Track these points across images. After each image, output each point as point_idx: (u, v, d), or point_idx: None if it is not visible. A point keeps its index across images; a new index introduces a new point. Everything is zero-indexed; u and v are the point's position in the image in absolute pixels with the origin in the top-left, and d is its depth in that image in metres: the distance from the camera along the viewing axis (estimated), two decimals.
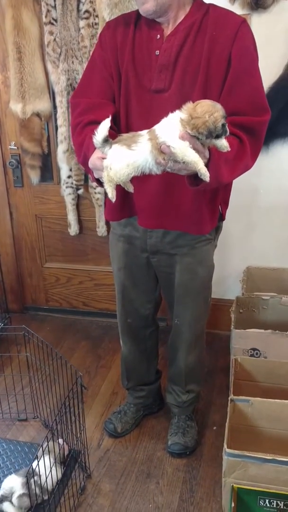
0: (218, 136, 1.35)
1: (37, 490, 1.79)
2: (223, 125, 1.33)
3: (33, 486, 1.77)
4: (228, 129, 1.36)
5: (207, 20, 1.57)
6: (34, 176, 2.92)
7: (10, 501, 1.79)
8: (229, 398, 1.91)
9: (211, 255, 1.92)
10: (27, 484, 1.74)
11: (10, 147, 2.92)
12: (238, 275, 2.74)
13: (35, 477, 1.80)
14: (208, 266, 1.91)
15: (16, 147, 2.90)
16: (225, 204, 1.87)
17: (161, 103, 1.58)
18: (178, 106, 1.35)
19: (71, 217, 2.94)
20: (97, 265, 3.11)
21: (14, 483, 1.81)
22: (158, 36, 1.61)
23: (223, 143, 1.37)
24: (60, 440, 2.00)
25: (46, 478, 1.80)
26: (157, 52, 1.60)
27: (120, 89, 1.67)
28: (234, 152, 1.46)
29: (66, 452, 2.01)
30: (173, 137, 1.31)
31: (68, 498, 1.88)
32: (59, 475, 1.92)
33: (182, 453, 2.08)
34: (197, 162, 1.33)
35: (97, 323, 3.16)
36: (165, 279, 1.93)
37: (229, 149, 1.39)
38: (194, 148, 1.31)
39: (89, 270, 3.16)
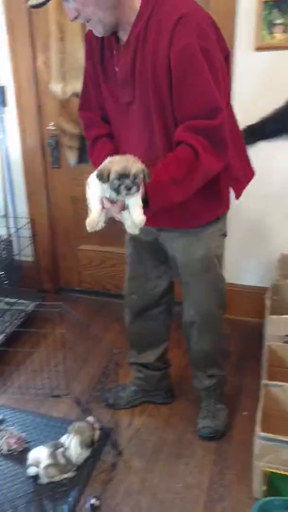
0: (119, 192, 1.39)
1: (63, 461, 1.84)
2: (118, 179, 1.36)
3: (59, 457, 1.81)
4: (124, 190, 1.38)
5: (152, 22, 1.47)
6: (71, 157, 2.94)
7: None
8: (262, 383, 1.89)
9: (213, 237, 1.83)
10: (53, 454, 1.80)
11: (48, 128, 2.95)
12: (272, 263, 2.71)
13: (62, 449, 1.85)
14: (208, 247, 1.82)
15: (55, 128, 2.93)
16: (236, 184, 1.78)
17: (134, 114, 1.61)
18: (146, 118, 1.51)
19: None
20: None
21: (40, 453, 1.87)
22: (114, 52, 1.61)
23: (134, 208, 1.43)
24: (91, 418, 2.04)
25: (74, 453, 1.86)
26: (117, 69, 1.61)
27: (104, 101, 1.74)
28: (185, 168, 1.47)
29: (97, 430, 2.04)
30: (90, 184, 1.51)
31: (99, 473, 1.92)
32: (88, 452, 1.96)
33: (212, 437, 2.08)
34: (92, 210, 1.49)
35: (120, 318, 3.17)
36: (172, 259, 1.91)
37: (140, 221, 1.45)
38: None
39: (122, 253, 3.14)
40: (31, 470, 1.84)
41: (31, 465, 1.86)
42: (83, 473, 1.90)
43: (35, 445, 1.98)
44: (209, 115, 1.46)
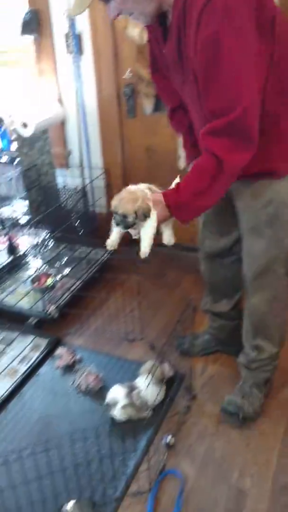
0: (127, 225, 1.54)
1: (139, 403, 1.90)
2: (117, 215, 1.54)
3: (135, 398, 1.87)
4: (124, 224, 1.55)
5: (187, 4, 1.39)
6: (148, 105, 2.88)
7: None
8: None
9: (279, 191, 1.67)
10: (129, 394, 1.86)
11: (124, 77, 2.90)
12: None
13: (137, 390, 1.91)
14: (268, 200, 1.67)
15: (131, 75, 2.87)
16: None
17: (187, 93, 1.60)
18: (196, 98, 1.49)
19: (182, 150, 2.89)
20: None
21: (118, 393, 1.94)
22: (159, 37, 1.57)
23: (143, 239, 1.55)
24: (165, 364, 2.08)
25: (149, 393, 1.92)
26: (164, 51, 1.57)
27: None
28: (208, 178, 1.47)
29: (171, 375, 2.09)
30: None
31: (173, 415, 1.97)
32: (162, 395, 2.01)
33: (234, 414, 1.94)
34: (112, 232, 1.65)
35: (195, 262, 3.14)
36: (238, 208, 1.81)
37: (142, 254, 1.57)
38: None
39: None
40: (110, 410, 1.94)
41: (109, 404, 1.94)
42: (159, 413, 1.95)
43: (111, 385, 2.06)
44: (228, 109, 1.39)
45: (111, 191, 3.19)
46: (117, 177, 3.21)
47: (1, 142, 2.89)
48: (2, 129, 2.86)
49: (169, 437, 1.85)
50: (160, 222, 1.58)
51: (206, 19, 1.33)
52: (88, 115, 3.12)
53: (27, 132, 2.86)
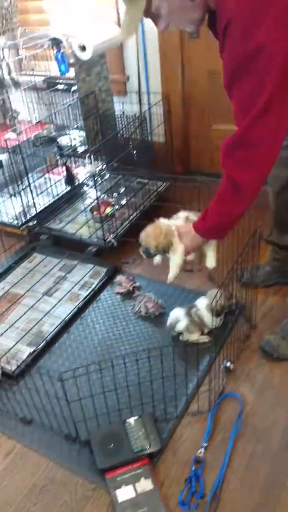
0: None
1: (197, 320, 1.95)
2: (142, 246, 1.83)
3: (194, 316, 1.93)
4: (147, 255, 1.85)
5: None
6: None
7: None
8: None
9: None
10: (190, 313, 1.93)
11: None
12: None
13: (195, 309, 1.95)
14: None
15: None
16: None
17: None
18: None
19: None
20: None
21: (178, 313, 1.99)
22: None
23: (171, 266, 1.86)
24: (226, 294, 2.06)
25: (205, 315, 1.96)
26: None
27: None
28: (230, 200, 1.60)
29: (231, 304, 2.07)
30: None
31: (233, 342, 1.97)
32: (219, 320, 2.01)
33: (269, 354, 1.91)
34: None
35: (262, 192, 3.03)
36: None
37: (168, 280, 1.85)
38: None
39: None
40: (172, 330, 1.97)
41: (171, 324, 1.98)
42: (219, 340, 1.96)
43: (171, 311, 2.08)
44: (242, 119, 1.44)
45: (170, 118, 3.07)
46: (177, 103, 3.07)
47: (60, 67, 2.81)
48: (61, 52, 2.77)
49: (228, 363, 1.87)
50: (191, 250, 1.82)
51: (227, 36, 1.37)
52: (148, 36, 2.96)
53: (85, 55, 2.75)
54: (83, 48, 2.73)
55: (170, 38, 2.89)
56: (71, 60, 2.83)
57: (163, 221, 1.85)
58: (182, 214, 1.89)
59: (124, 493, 1.49)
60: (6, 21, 3.04)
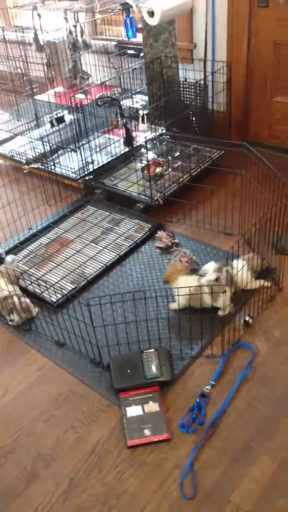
0: None
1: (225, 275, 2.02)
2: None
3: (223, 272, 2.01)
4: None
5: None
6: None
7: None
8: None
9: None
10: (220, 269, 2.01)
11: None
12: None
13: (229, 267, 2.03)
14: None
15: None
16: None
17: None
18: None
19: None
20: None
21: (209, 266, 2.09)
22: None
23: None
24: (260, 257, 2.15)
25: (240, 276, 2.03)
26: None
27: None
28: None
29: (264, 268, 2.16)
30: None
31: (257, 301, 2.07)
32: (253, 284, 2.11)
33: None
34: None
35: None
36: None
37: None
38: None
39: None
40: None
41: (200, 274, 2.11)
42: (244, 297, 2.08)
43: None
44: None
45: (231, 87, 3.12)
46: (239, 74, 3.11)
47: (127, 31, 2.94)
48: (129, 17, 2.90)
49: (248, 317, 1.99)
50: None
51: None
52: (218, 4, 3.01)
53: (153, 21, 2.87)
54: (151, 14, 2.84)
55: (239, 7, 2.92)
56: (139, 26, 2.96)
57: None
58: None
59: (133, 411, 1.69)
60: None
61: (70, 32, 3.22)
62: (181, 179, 2.82)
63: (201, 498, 1.44)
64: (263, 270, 2.18)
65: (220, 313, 2.02)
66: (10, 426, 1.72)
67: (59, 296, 2.21)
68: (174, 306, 2.05)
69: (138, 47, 3.29)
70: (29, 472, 1.57)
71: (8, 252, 2.53)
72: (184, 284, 1.98)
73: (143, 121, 2.69)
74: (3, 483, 1.55)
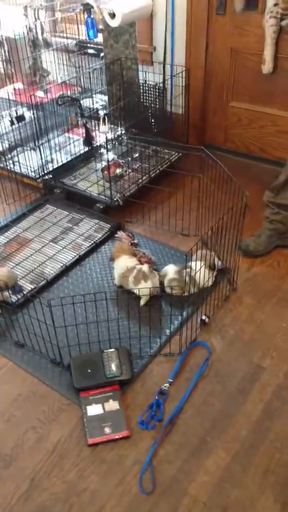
0: None
1: (187, 279, 2.10)
2: None
3: (184, 275, 2.07)
4: None
5: None
6: (239, 1, 2.78)
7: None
8: None
9: None
10: (180, 272, 2.07)
11: None
12: None
13: (188, 270, 2.10)
14: None
15: None
16: None
17: None
18: None
19: (268, 52, 2.80)
20: (285, 110, 3.00)
21: (169, 269, 2.16)
22: None
23: None
24: (216, 257, 2.24)
25: (199, 276, 2.10)
26: None
27: None
28: None
29: (221, 267, 2.25)
30: None
31: (212, 300, 2.16)
32: (210, 281, 2.19)
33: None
34: None
35: (271, 171, 3.13)
36: None
37: None
38: None
39: (274, 114, 3.07)
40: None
41: (160, 275, 2.17)
42: (199, 296, 2.16)
43: (162, 268, 2.28)
44: None
45: (189, 91, 3.20)
46: (197, 79, 3.20)
47: (88, 31, 2.96)
48: (91, 17, 2.91)
49: (204, 316, 2.06)
50: None
51: None
52: (177, 10, 3.07)
53: (114, 22, 2.90)
54: (112, 15, 2.87)
55: (198, 14, 3.00)
56: (100, 26, 2.98)
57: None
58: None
59: (94, 410, 1.72)
60: None
61: (30, 29, 3.19)
62: (140, 181, 2.87)
63: (160, 492, 1.50)
64: (219, 269, 2.27)
65: (142, 302, 2.13)
66: None
67: (19, 296, 2.20)
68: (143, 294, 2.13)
69: (99, 47, 3.31)
70: None
71: None
72: (123, 264, 2.19)
73: (104, 123, 2.72)
74: None
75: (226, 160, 3.31)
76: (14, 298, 2.16)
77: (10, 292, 2.09)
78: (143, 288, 2.05)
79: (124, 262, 2.21)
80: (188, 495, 1.49)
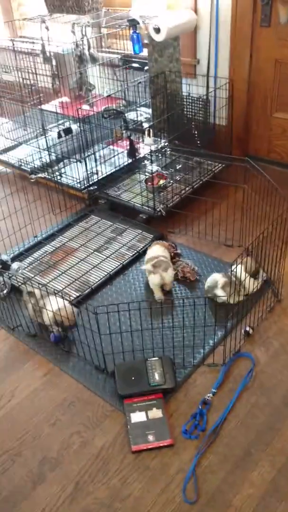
0: None
1: (235, 280, 2.10)
2: None
3: (232, 278, 2.09)
4: None
5: None
6: (284, 14, 2.78)
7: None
8: None
9: None
10: (228, 276, 2.12)
11: None
12: None
13: (233, 278, 2.10)
14: None
15: None
16: None
17: None
18: None
19: None
20: None
21: (216, 277, 2.18)
22: None
23: None
24: (260, 267, 2.23)
25: (246, 282, 2.12)
26: None
27: None
28: None
29: (264, 278, 2.23)
30: None
31: (257, 311, 2.14)
32: (255, 284, 2.19)
33: None
34: None
35: None
36: None
37: None
38: None
39: None
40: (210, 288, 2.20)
41: (210, 286, 2.19)
42: (244, 307, 2.14)
43: (205, 279, 2.28)
44: None
45: (232, 103, 3.21)
46: (241, 91, 3.21)
47: (134, 46, 3.03)
48: (136, 32, 2.99)
49: (248, 328, 2.05)
50: None
51: None
52: (221, 24, 3.10)
53: (159, 37, 2.96)
54: (157, 30, 2.94)
55: (242, 26, 3.02)
56: (145, 41, 3.05)
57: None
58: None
59: (137, 417, 1.74)
60: (91, 1, 3.30)
61: (77, 45, 3.30)
62: (183, 192, 2.89)
63: (203, 502, 1.49)
64: (264, 281, 2.25)
65: (168, 287, 2.30)
66: (16, 429, 1.77)
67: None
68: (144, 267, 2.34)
69: (143, 60, 3.38)
70: (36, 475, 1.62)
71: (13, 259, 2.59)
72: (154, 252, 2.34)
73: (148, 135, 2.77)
74: (10, 484, 1.59)
75: (270, 171, 3.28)
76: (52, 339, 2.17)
77: (59, 330, 2.07)
78: (153, 277, 2.24)
79: (155, 250, 2.36)
80: (233, 507, 1.47)
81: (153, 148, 3.16)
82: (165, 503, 1.50)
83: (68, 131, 3.09)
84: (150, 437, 1.67)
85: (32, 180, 3.07)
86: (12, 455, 1.68)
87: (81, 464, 1.63)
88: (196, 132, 3.30)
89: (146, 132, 2.80)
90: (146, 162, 3.25)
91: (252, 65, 3.13)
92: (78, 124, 3.02)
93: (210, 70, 3.29)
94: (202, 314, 2.11)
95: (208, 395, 1.80)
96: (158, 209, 2.75)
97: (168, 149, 3.32)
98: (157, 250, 2.37)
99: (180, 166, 3.17)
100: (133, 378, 1.84)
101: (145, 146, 3.20)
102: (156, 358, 1.89)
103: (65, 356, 2.04)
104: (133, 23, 3.00)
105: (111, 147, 3.23)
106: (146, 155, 3.23)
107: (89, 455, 1.66)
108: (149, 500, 1.51)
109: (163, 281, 2.25)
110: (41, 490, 1.57)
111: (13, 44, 3.13)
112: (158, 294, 2.27)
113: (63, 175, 3.09)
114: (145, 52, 3.19)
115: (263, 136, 3.32)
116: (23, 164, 3.31)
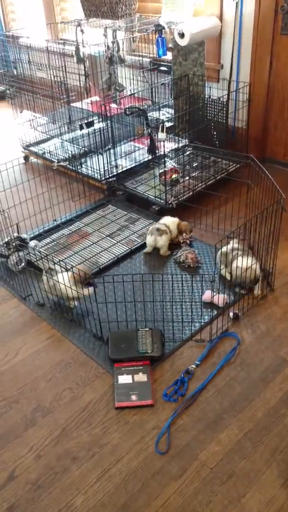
0: None
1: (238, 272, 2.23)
2: None
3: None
4: None
5: None
6: None
7: None
8: None
9: None
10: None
11: None
12: None
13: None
14: None
15: None
16: None
17: None
18: None
19: None
20: None
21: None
22: None
23: None
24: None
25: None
26: None
27: None
28: None
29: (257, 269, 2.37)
30: None
31: (249, 299, 2.27)
32: (258, 273, 2.30)
33: None
34: None
35: None
36: None
37: None
38: None
39: None
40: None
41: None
42: (236, 295, 2.28)
43: (205, 268, 2.44)
44: None
45: (252, 106, 3.35)
46: (260, 95, 3.34)
47: (158, 50, 3.23)
48: (161, 37, 3.19)
49: (238, 311, 2.19)
50: None
51: None
52: (244, 30, 3.26)
53: (183, 42, 3.15)
54: (182, 35, 3.13)
55: (264, 34, 3.16)
56: (170, 45, 3.24)
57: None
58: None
59: (124, 379, 1.91)
60: (125, 7, 3.53)
61: (108, 47, 3.53)
62: (196, 187, 3.06)
63: (173, 454, 1.65)
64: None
65: (161, 251, 2.65)
66: (17, 381, 1.98)
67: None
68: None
69: (170, 64, 3.57)
70: (29, 419, 1.81)
71: (32, 238, 2.82)
72: (164, 221, 2.70)
73: (162, 130, 2.95)
74: (6, 425, 1.80)
75: (285, 173, 3.43)
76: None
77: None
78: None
79: (165, 220, 2.72)
80: (198, 460, 1.62)
81: (168, 144, 3.33)
82: (138, 451, 1.66)
83: (90, 124, 3.31)
84: (133, 397, 1.84)
85: (54, 168, 3.30)
86: (10, 402, 1.89)
87: (69, 414, 1.82)
88: (215, 133, 3.46)
89: (160, 128, 2.99)
90: (166, 159, 3.43)
91: (272, 70, 3.26)
92: (102, 119, 3.24)
93: (232, 74, 3.44)
94: (196, 291, 2.27)
95: (192, 366, 1.95)
96: (169, 201, 2.93)
97: (189, 148, 3.49)
98: (166, 220, 2.72)
99: (196, 164, 3.33)
100: (124, 345, 2.01)
101: (165, 144, 3.39)
102: (147, 329, 2.06)
103: (68, 324, 2.24)
104: (159, 28, 3.20)
105: (132, 143, 3.43)
106: (167, 153, 3.41)
107: (77, 408, 1.84)
108: (125, 448, 1.68)
109: (155, 244, 2.62)
110: (31, 432, 1.77)
111: (47, 45, 3.39)
112: (148, 250, 2.67)
113: (84, 165, 3.31)
114: (170, 56, 3.38)
115: (280, 139, 3.44)
116: (46, 153, 3.56)
